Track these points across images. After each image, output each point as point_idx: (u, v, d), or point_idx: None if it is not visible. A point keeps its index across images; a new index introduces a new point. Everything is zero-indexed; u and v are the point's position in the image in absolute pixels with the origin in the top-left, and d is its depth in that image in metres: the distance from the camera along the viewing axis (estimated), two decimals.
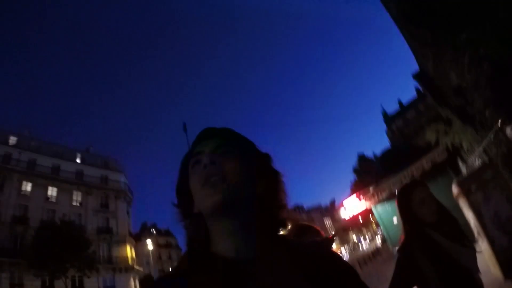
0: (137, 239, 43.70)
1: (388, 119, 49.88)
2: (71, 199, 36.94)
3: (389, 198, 13.05)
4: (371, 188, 14.75)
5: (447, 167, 11.06)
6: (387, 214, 13.84)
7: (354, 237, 46.67)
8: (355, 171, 49.09)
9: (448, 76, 10.42)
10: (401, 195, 2.07)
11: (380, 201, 14.01)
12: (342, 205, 18.37)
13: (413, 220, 1.94)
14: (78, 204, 37.28)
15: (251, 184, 0.79)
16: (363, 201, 14.92)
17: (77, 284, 30.23)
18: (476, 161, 7.67)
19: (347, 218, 18.71)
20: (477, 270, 1.77)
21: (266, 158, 0.87)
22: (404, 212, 2.00)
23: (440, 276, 1.70)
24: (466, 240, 1.88)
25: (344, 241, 46.14)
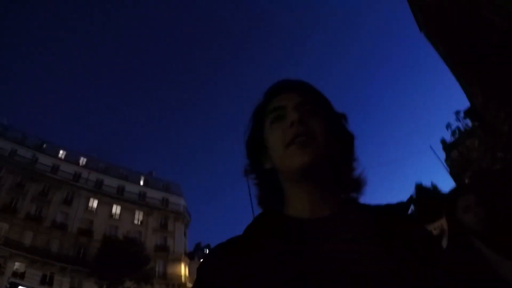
0: (191, 258, 45.10)
1: (447, 146, 47.11)
2: (133, 218, 39.45)
3: None
4: None
5: None
6: None
7: None
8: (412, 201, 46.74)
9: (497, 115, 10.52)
10: (446, 201, 2.01)
11: None
12: None
13: (456, 227, 1.82)
14: (139, 223, 39.54)
15: (333, 145, 0.74)
16: None
17: None
18: None
19: None
20: None
21: (344, 119, 0.83)
22: (448, 218, 1.92)
23: None
24: None
25: None
